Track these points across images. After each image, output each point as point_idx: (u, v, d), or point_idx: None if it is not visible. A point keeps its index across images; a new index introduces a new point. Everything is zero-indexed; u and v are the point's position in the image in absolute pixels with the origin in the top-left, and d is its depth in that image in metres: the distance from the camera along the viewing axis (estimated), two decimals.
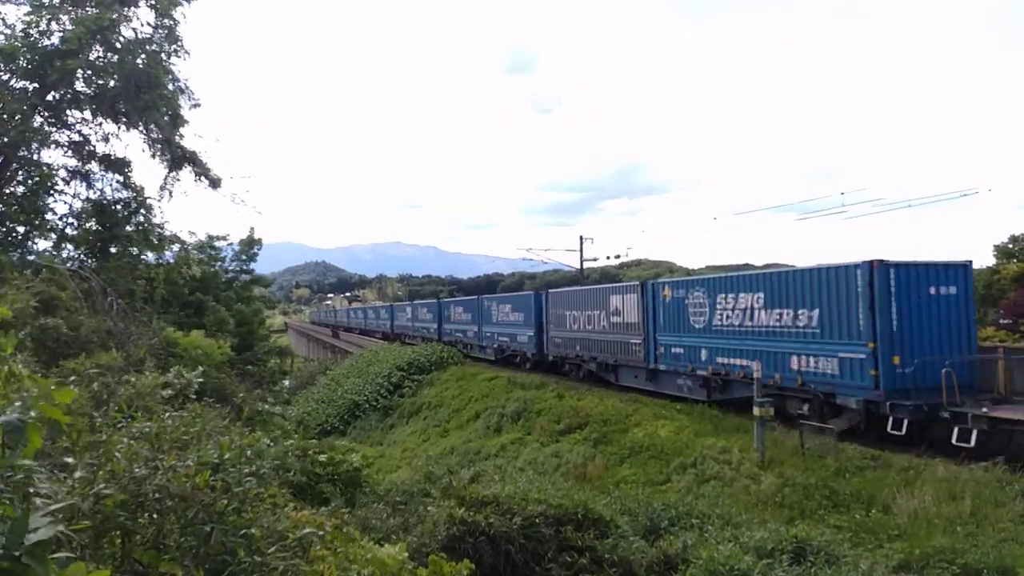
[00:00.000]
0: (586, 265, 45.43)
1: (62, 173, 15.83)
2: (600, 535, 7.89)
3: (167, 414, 3.69)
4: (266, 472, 3.63)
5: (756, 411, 13.83)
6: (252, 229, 41.45)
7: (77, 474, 2.59)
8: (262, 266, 45.91)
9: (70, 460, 2.72)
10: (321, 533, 3.26)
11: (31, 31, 14.24)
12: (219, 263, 39.67)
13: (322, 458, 9.82)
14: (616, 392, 22.08)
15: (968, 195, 23.79)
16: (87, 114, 15.56)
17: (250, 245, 41.14)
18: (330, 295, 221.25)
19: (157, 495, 2.72)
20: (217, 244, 38.47)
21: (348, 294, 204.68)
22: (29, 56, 14.15)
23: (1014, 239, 39.14)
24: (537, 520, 7.49)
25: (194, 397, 8.04)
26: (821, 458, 12.90)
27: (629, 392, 21.75)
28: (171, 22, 15.37)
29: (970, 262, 14.50)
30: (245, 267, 42.02)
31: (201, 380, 8.65)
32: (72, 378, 5.98)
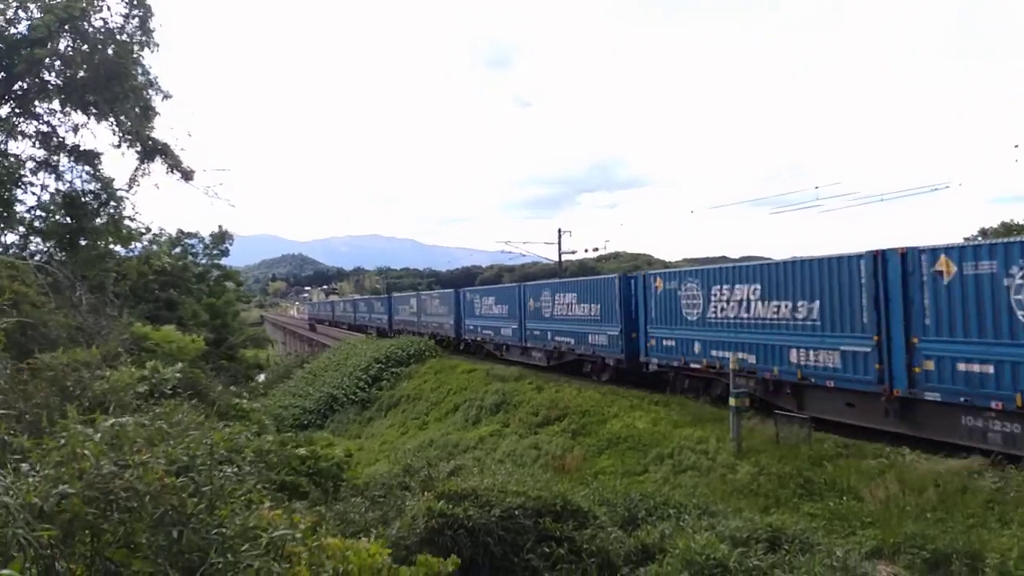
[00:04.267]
0: (564, 258, 45.58)
1: (30, 164, 15.52)
2: (579, 526, 7.92)
3: (143, 410, 3.62)
4: (243, 468, 3.59)
5: (732, 401, 13.98)
6: (220, 226, 40.24)
7: (42, 472, 2.53)
8: (237, 259, 45.08)
9: (24, 466, 2.66)
10: (295, 534, 3.22)
11: None
12: (190, 257, 39.02)
13: (301, 452, 9.74)
14: (593, 384, 22.09)
15: (939, 189, 24.17)
16: (55, 104, 15.26)
17: (220, 240, 40.19)
18: (307, 288, 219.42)
19: (125, 493, 2.67)
20: (188, 240, 37.78)
21: (325, 287, 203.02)
22: None
23: (983, 232, 39.92)
24: (516, 512, 7.49)
25: (170, 393, 7.92)
26: (795, 447, 13.08)
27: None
28: (142, 12, 15.08)
29: None
30: (216, 262, 41.19)
31: (180, 376, 8.53)
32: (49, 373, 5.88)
